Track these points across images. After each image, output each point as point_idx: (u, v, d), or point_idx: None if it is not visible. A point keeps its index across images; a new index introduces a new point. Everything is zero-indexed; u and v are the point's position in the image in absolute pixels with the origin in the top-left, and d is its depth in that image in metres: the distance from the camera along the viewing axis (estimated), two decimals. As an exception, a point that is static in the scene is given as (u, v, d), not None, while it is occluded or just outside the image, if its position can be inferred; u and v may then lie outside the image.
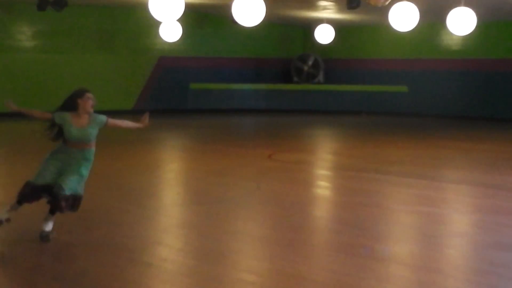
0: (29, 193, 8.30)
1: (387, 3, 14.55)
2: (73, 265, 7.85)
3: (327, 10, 22.29)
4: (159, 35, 21.51)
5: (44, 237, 8.35)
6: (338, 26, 24.42)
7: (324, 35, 23.80)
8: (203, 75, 27.84)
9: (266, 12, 13.82)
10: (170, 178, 15.17)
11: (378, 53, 29.15)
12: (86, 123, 8.23)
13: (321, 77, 30.85)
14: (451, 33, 16.76)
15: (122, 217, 10.53)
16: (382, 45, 27.99)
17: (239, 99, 29.11)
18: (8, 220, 8.32)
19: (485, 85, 27.29)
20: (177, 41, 21.74)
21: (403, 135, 22.88)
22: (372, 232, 10.54)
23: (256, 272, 8.07)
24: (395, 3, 14.87)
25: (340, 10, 20.13)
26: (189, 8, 14.05)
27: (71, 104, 8.32)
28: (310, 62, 30.69)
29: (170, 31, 20.81)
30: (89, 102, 8.23)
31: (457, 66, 27.68)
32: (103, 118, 8.37)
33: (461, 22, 15.56)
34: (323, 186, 14.99)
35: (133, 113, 26.58)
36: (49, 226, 8.40)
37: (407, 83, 28.35)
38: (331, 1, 19.49)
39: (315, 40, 24.48)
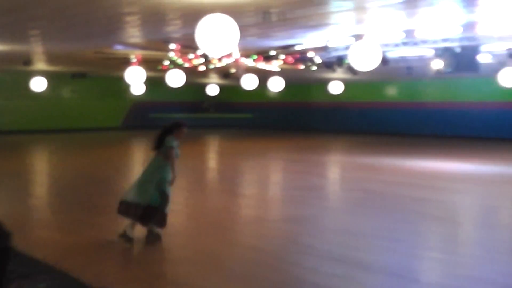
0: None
1: (243, 75, 14.68)
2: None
3: (214, 78, 22.22)
4: (132, 91, 21.03)
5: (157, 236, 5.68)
6: (220, 85, 24.46)
7: (213, 90, 23.83)
8: (156, 109, 27.23)
9: (186, 80, 13.76)
10: (141, 159, 14.85)
11: (239, 98, 29.00)
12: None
13: (213, 110, 30.75)
14: (271, 90, 16.77)
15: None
16: (240, 95, 27.64)
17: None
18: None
19: (290, 114, 27.75)
20: (142, 94, 21.21)
21: (253, 139, 22.97)
22: (238, 182, 10.69)
23: (181, 203, 8.07)
24: (244, 74, 14.94)
25: (221, 78, 20.07)
26: (147, 78, 13.86)
27: (174, 129, 5.84)
28: (207, 103, 30.55)
29: (138, 89, 20.36)
30: (184, 133, 5.98)
31: (275, 105, 27.99)
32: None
33: (275, 84, 15.64)
34: (214, 162, 14.93)
35: (120, 129, 26.22)
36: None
37: (252, 113, 28.49)
38: (216, 74, 19.43)
39: (208, 93, 24.53)
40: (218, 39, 5.35)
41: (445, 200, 8.55)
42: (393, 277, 4.67)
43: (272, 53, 12.17)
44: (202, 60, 13.32)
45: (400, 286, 4.48)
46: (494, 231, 6.62)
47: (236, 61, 13.22)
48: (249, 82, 14.81)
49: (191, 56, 12.82)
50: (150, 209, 5.52)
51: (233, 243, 5.76)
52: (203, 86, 25.09)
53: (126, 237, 5.50)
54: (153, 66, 15.19)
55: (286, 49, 11.67)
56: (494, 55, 11.79)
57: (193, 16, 7.05)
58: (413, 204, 8.14)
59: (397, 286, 4.48)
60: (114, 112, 26.74)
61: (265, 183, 10.89)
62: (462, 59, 10.24)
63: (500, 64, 12.22)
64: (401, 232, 6.35)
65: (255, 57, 12.81)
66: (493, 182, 10.50)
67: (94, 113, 25.58)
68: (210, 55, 12.22)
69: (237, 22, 5.50)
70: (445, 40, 9.44)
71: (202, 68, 14.69)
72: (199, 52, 12.06)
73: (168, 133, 5.81)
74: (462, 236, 6.55)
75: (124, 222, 5.69)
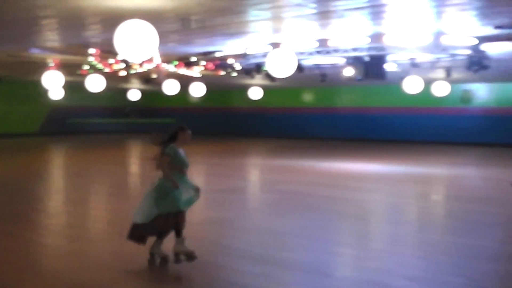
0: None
1: (164, 80, 14.47)
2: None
3: (135, 83, 21.66)
4: (50, 96, 20.00)
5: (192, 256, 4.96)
6: (142, 91, 23.88)
7: (135, 95, 23.22)
8: (76, 114, 26.19)
9: (106, 85, 13.27)
10: (59, 165, 14.14)
11: (161, 103, 28.59)
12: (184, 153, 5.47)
13: (135, 115, 29.98)
14: (192, 95, 16.57)
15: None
16: (163, 100, 27.01)
17: (98, 126, 27.55)
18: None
19: (212, 119, 27.60)
20: (61, 99, 20.18)
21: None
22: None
23: (103, 209, 7.77)
24: (166, 80, 14.72)
25: (142, 83, 19.58)
26: (66, 82, 13.26)
27: (178, 135, 5.40)
28: (129, 108, 29.74)
29: (56, 94, 19.37)
30: (188, 137, 5.50)
31: (197, 110, 27.81)
32: None
33: (197, 90, 15.45)
34: (135, 167, 14.57)
35: (37, 135, 24.87)
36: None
37: (175, 118, 27.92)
38: (137, 79, 18.98)
39: (130, 98, 23.83)
40: (137, 44, 5.24)
41: (356, 199, 8.91)
42: (309, 273, 4.80)
43: (193, 59, 12.11)
44: (123, 65, 12.97)
45: (315, 281, 4.61)
46: (398, 226, 7.01)
47: (157, 66, 13.02)
48: (170, 88, 14.63)
49: (111, 61, 12.45)
50: (177, 216, 5.14)
51: (154, 247, 5.63)
52: (125, 91, 24.39)
53: (161, 258, 5.01)
54: (72, 70, 14.59)
55: (206, 56, 11.67)
56: (399, 64, 12.50)
57: (112, 21, 6.84)
58: (327, 203, 8.41)
59: (312, 281, 4.61)
60: (31, 118, 25.38)
61: (205, 187, 10.75)
62: (371, 67, 10.77)
63: (404, 73, 12.98)
64: (316, 230, 6.54)
65: (176, 63, 12.69)
66: (399, 181, 11.10)
67: (10, 118, 24.10)
68: (130, 61, 11.96)
69: (157, 28, 5.41)
70: (355, 50, 9.86)
71: (123, 73, 14.31)
72: (119, 57, 11.74)
73: (172, 140, 5.35)
74: (370, 232, 6.86)
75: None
